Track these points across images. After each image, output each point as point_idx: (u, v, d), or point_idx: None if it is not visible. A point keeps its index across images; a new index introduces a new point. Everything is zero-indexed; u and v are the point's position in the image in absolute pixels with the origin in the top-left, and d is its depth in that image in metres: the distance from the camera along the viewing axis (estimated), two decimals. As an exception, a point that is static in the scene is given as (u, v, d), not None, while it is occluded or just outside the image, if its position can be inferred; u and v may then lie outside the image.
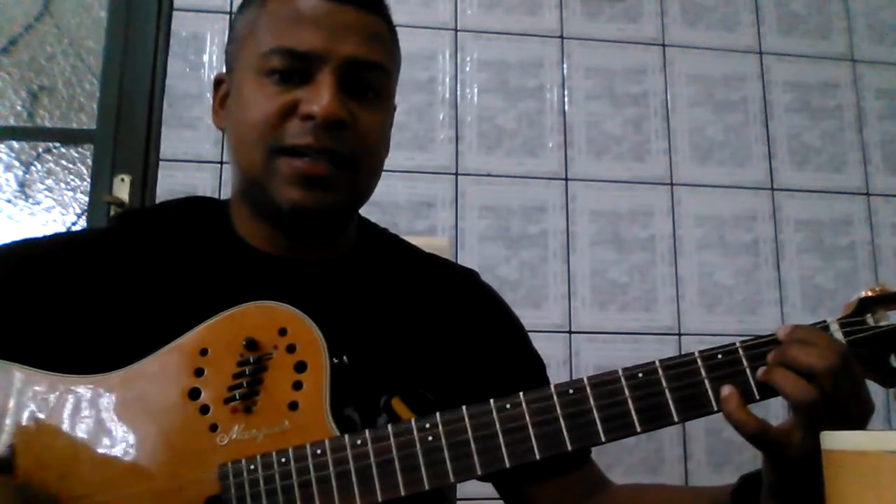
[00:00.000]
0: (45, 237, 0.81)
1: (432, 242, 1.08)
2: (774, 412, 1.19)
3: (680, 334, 1.72)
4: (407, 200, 1.69)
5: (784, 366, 0.58)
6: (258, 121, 0.72)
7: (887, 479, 0.49)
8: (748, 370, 0.60)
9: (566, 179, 1.76)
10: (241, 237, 0.79)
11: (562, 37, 1.83)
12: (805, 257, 1.80)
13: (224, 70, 0.81)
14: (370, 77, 0.74)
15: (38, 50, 1.77)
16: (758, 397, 0.60)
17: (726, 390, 0.59)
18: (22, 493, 0.59)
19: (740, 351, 0.60)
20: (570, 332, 1.69)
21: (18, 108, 1.75)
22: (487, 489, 0.85)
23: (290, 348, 0.65)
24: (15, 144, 1.73)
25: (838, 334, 0.60)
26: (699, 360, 0.60)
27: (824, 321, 0.60)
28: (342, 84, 0.72)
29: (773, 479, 0.62)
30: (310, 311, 0.66)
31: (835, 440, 0.53)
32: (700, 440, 1.65)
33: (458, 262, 0.95)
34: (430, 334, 0.80)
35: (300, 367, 0.64)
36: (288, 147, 0.71)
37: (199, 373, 0.65)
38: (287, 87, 0.72)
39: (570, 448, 0.59)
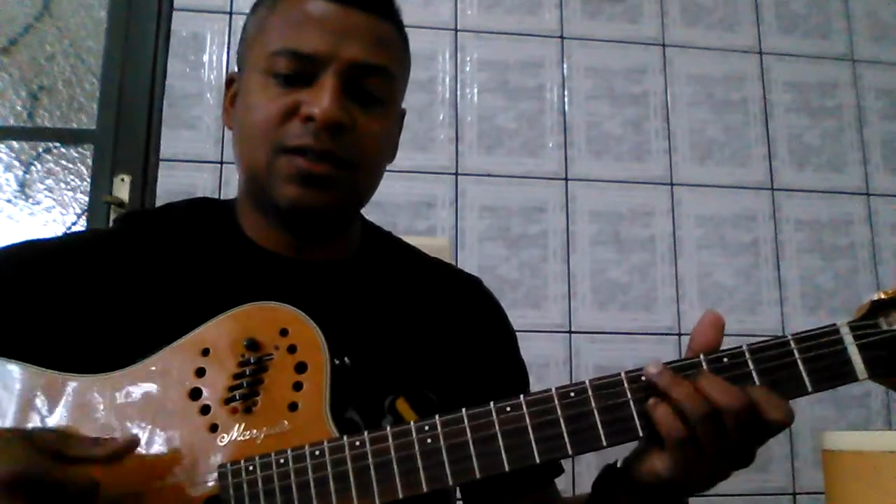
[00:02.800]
0: (49, 238, 0.81)
1: (432, 242, 1.08)
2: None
3: (680, 334, 1.72)
4: (407, 200, 1.69)
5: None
6: (261, 121, 0.72)
7: (887, 479, 0.49)
8: (754, 374, 0.58)
9: (566, 179, 1.76)
10: (248, 237, 0.79)
11: (562, 37, 1.83)
12: (805, 257, 1.80)
13: (236, 69, 0.82)
14: (374, 82, 0.74)
15: (38, 50, 1.77)
16: None
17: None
18: (30, 440, 0.59)
19: (747, 354, 0.58)
20: (570, 332, 1.69)
21: (18, 108, 1.75)
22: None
23: (291, 349, 0.65)
24: (15, 144, 1.72)
25: (849, 338, 0.57)
26: (704, 364, 0.58)
27: (834, 324, 0.57)
28: (345, 87, 0.72)
29: (656, 481, 0.59)
30: (313, 312, 0.66)
31: (835, 440, 0.53)
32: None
33: (458, 262, 0.96)
34: (432, 338, 0.80)
35: (301, 367, 0.64)
36: (289, 147, 0.71)
37: (200, 373, 0.65)
38: (290, 89, 0.72)
39: (570, 452, 0.58)
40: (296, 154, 0.71)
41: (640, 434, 0.58)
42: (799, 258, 1.79)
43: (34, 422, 0.64)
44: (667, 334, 1.72)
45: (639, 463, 0.61)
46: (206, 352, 0.65)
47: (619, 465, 0.64)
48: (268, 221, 0.77)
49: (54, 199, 1.71)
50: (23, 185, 1.71)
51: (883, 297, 0.58)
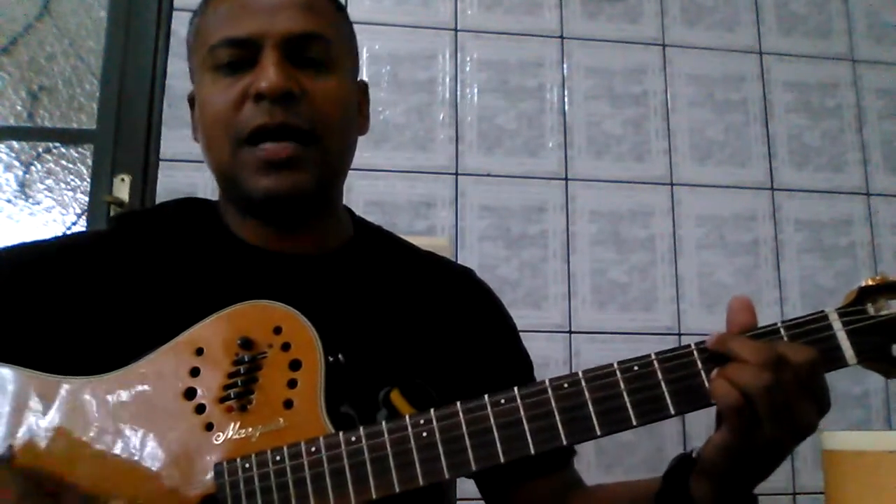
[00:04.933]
0: (44, 240, 0.82)
1: (432, 242, 1.08)
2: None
3: (680, 334, 1.72)
4: (407, 200, 1.68)
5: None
6: (218, 115, 0.73)
7: (887, 479, 0.49)
8: None
9: (566, 179, 1.76)
10: (235, 235, 0.79)
11: (562, 37, 1.83)
12: (805, 257, 1.79)
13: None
14: (313, 48, 0.75)
15: (38, 50, 1.77)
16: None
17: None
18: (23, 476, 0.59)
19: None
20: (570, 332, 1.69)
21: (18, 108, 1.75)
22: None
23: (285, 346, 0.65)
24: (15, 144, 1.73)
25: (837, 324, 0.58)
26: (695, 352, 0.59)
27: (823, 311, 0.59)
28: (287, 57, 0.73)
29: (721, 457, 0.61)
30: (305, 307, 0.66)
31: (835, 440, 0.53)
32: (700, 439, 1.64)
33: (458, 262, 0.95)
34: (425, 329, 0.80)
35: (295, 365, 0.64)
36: (248, 134, 0.72)
37: (194, 372, 0.65)
38: (237, 76, 0.73)
39: (565, 442, 0.58)
40: (258, 142, 0.72)
41: (634, 423, 0.58)
42: (799, 258, 1.79)
43: (30, 425, 0.64)
44: (667, 334, 1.71)
45: (706, 444, 0.62)
46: (199, 351, 0.66)
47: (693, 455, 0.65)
48: (248, 217, 0.78)
49: (54, 199, 1.71)
50: (23, 185, 1.71)
51: (870, 283, 0.58)
